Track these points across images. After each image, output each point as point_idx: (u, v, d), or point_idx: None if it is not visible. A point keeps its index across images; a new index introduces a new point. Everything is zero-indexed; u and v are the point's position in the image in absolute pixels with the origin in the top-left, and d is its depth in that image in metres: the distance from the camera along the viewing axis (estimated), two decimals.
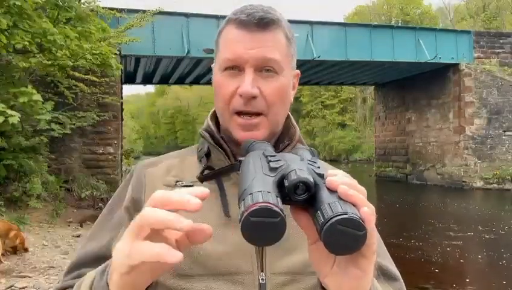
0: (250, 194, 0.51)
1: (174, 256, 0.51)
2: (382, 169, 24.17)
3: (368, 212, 0.53)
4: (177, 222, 0.52)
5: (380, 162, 24.63)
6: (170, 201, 0.54)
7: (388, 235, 9.14)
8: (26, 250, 6.20)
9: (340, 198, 0.53)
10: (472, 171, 17.97)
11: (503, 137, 18.04)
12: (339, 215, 0.50)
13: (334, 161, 40.31)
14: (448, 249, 8.22)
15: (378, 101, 25.19)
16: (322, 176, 0.56)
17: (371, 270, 0.58)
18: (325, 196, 0.54)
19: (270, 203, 0.50)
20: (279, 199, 0.52)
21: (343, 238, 0.50)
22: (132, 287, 0.59)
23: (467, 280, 6.67)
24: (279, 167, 0.57)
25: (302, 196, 0.54)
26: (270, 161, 0.59)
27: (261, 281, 0.78)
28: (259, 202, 0.49)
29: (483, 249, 8.32)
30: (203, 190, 0.56)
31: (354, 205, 0.53)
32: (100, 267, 0.65)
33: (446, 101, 19.10)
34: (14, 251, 6.08)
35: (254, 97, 0.79)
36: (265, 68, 0.80)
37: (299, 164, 0.58)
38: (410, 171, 21.68)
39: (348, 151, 43.64)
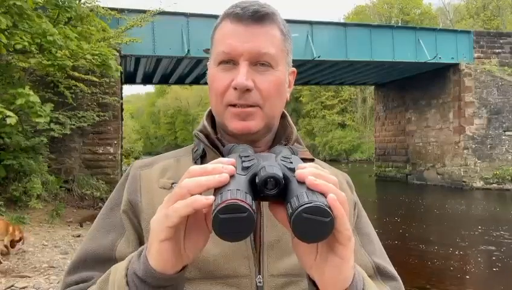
0: (221, 193, 0.54)
1: (207, 199, 0.55)
2: (382, 169, 24.16)
3: (334, 198, 0.54)
4: (213, 178, 0.56)
5: (380, 162, 24.62)
6: (206, 171, 0.58)
7: (388, 236, 9.13)
8: (21, 240, 6.17)
9: (308, 189, 0.55)
10: (472, 171, 17.97)
11: (503, 137, 18.03)
12: (305, 204, 0.52)
13: (334, 161, 40.30)
14: (448, 249, 8.22)
15: (378, 101, 25.19)
16: (293, 170, 0.59)
17: (351, 257, 0.59)
18: (294, 188, 0.56)
19: (238, 200, 0.52)
20: (248, 195, 0.54)
21: (311, 226, 0.52)
22: (171, 259, 0.60)
23: (467, 280, 6.67)
24: (251, 165, 0.60)
25: (273, 190, 0.57)
26: (244, 161, 0.62)
27: (258, 284, 0.77)
28: (228, 200, 0.52)
29: (483, 249, 8.32)
30: (227, 159, 0.60)
31: (322, 194, 0.55)
32: (135, 252, 0.67)
33: (446, 101, 19.10)
34: (13, 245, 6.07)
35: (248, 90, 0.79)
36: (259, 62, 0.80)
37: (270, 161, 0.61)
38: (410, 171, 21.68)
39: (348, 151, 43.64)
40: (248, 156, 0.63)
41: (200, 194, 0.57)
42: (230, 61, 0.80)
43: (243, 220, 0.52)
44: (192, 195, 0.56)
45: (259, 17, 0.80)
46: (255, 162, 0.61)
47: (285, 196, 0.57)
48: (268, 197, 0.58)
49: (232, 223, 0.52)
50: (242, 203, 0.52)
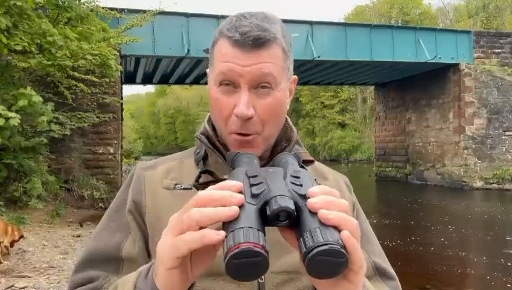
0: (232, 231, 0.53)
1: (218, 234, 0.54)
2: (382, 169, 24.16)
3: (348, 235, 0.54)
4: (223, 212, 0.55)
5: (380, 162, 24.62)
6: (213, 199, 0.56)
7: (388, 236, 9.14)
8: (21, 238, 6.16)
9: (321, 222, 0.55)
10: (472, 171, 17.96)
11: (503, 137, 18.03)
12: (320, 246, 0.53)
13: (334, 161, 40.30)
14: (448, 249, 8.22)
15: (378, 101, 25.19)
16: (304, 196, 0.58)
17: (361, 281, 0.59)
18: (307, 220, 0.56)
19: (252, 243, 0.52)
20: (261, 233, 0.54)
21: (325, 267, 0.53)
22: (178, 283, 0.60)
23: (467, 280, 6.67)
24: (261, 192, 0.59)
25: (284, 222, 0.57)
26: (252, 185, 0.60)
27: (259, 280, 0.79)
28: (241, 243, 0.52)
29: (483, 249, 8.33)
30: (234, 183, 0.59)
31: (335, 227, 0.55)
32: (144, 267, 0.67)
33: (446, 101, 19.09)
34: (12, 245, 6.06)
35: (249, 118, 0.80)
36: (260, 85, 0.79)
37: (280, 186, 0.60)
38: (410, 171, 21.67)
39: (348, 151, 43.62)
40: (256, 176, 0.62)
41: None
42: (230, 84, 0.80)
43: (257, 265, 0.52)
44: (200, 227, 0.56)
45: (260, 44, 0.78)
46: (264, 188, 0.59)
47: (296, 223, 0.57)
48: (278, 226, 0.58)
49: (245, 267, 0.52)
50: (256, 248, 0.52)
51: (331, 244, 0.52)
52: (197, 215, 0.56)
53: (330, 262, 0.53)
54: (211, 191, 0.58)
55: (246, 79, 0.78)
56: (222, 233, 0.54)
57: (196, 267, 0.61)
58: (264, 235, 0.55)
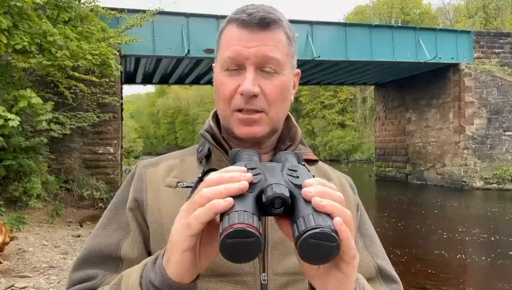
0: (228, 214, 0.55)
1: (226, 201, 0.56)
2: (382, 169, 24.16)
3: (340, 222, 0.55)
4: (233, 186, 0.57)
5: (380, 162, 24.62)
6: (223, 179, 0.58)
7: (388, 236, 9.14)
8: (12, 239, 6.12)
9: (315, 209, 0.55)
10: (472, 171, 17.96)
11: (503, 137, 18.02)
12: (311, 229, 0.53)
13: (334, 161, 40.29)
14: (448, 249, 8.22)
15: (378, 101, 25.19)
16: (299, 186, 0.59)
17: (353, 273, 0.60)
18: (301, 208, 0.57)
19: (245, 224, 0.53)
20: (255, 216, 0.55)
21: (317, 250, 0.53)
22: (189, 271, 0.61)
23: (467, 280, 6.67)
24: (258, 181, 0.60)
25: (279, 209, 0.58)
26: None
27: (262, 281, 0.79)
28: (235, 224, 0.53)
29: (483, 249, 8.32)
30: (240, 166, 0.61)
31: (329, 214, 0.55)
32: (150, 258, 0.68)
33: (446, 101, 19.09)
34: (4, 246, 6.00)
35: (255, 96, 0.80)
36: (265, 67, 0.81)
37: (277, 177, 0.61)
38: (410, 171, 21.67)
39: (348, 151, 43.64)
40: (254, 168, 0.63)
41: None
42: (236, 67, 0.81)
43: (250, 245, 0.53)
44: None
45: (265, 23, 0.81)
46: (261, 178, 0.61)
47: (291, 212, 0.58)
48: (274, 215, 0.59)
49: (239, 247, 0.53)
50: (249, 228, 0.53)
51: (322, 227, 0.53)
52: (208, 193, 0.57)
53: (322, 246, 0.53)
54: (220, 173, 0.60)
55: (251, 61, 0.80)
56: (230, 199, 0.56)
57: (204, 255, 0.61)
58: (259, 220, 0.55)
